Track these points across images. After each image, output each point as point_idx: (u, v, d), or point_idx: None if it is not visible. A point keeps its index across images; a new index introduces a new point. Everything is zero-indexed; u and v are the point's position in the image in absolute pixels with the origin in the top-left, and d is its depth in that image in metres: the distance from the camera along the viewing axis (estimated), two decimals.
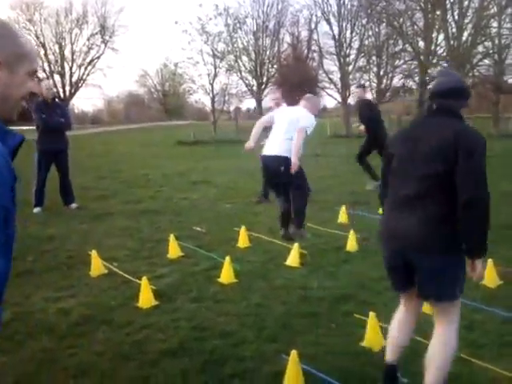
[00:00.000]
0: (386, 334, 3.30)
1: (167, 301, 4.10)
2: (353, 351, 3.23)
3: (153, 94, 68.43)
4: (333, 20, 29.66)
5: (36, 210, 7.53)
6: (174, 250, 5.31)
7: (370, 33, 29.44)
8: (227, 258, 4.57)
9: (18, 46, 1.26)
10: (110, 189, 9.89)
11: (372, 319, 3.31)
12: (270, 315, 3.77)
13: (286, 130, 5.71)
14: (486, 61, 29.39)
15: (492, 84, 28.83)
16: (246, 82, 31.60)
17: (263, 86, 33.53)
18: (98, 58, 46.39)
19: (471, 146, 2.34)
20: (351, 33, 29.05)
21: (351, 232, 5.53)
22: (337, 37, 29.16)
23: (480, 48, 28.21)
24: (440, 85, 2.56)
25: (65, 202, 7.92)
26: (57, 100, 8.07)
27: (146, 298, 4.04)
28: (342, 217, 6.79)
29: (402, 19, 25.62)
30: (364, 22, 28.94)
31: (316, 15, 31.15)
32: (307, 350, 3.16)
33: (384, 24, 29.24)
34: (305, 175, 5.85)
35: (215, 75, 22.77)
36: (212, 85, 22.81)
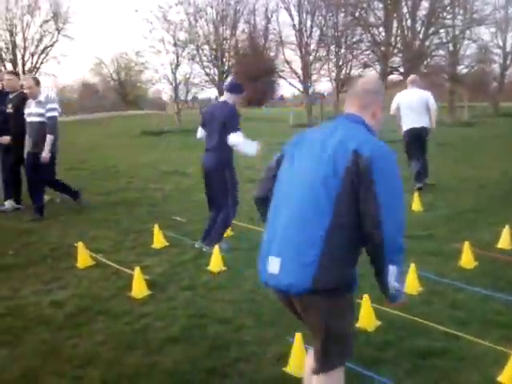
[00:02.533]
0: (377, 314, 3.50)
1: (160, 290, 4.15)
2: None
3: (108, 83, 66.85)
4: (293, 10, 29.82)
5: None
6: (158, 239, 5.34)
7: (330, 24, 29.73)
8: (216, 247, 4.64)
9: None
10: (80, 181, 9.69)
11: (366, 301, 3.47)
12: (265, 301, 3.87)
13: (419, 109, 7.92)
14: (441, 51, 30.35)
15: (447, 74, 29.79)
16: (208, 71, 31.40)
17: (225, 75, 33.43)
18: (52, 45, 44.92)
19: None
20: (311, 22, 29.27)
21: None
22: (297, 26, 29.34)
23: (435, 39, 29.06)
24: None
25: None
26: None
27: (139, 287, 4.07)
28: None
29: (362, 9, 26.05)
30: (324, 12, 29.19)
31: (277, 5, 31.18)
32: (306, 333, 3.28)
33: (342, 14, 29.64)
34: None
35: (177, 64, 22.55)
36: (175, 74, 22.58)
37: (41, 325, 3.54)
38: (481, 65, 34.49)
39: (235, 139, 4.76)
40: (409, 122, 8.01)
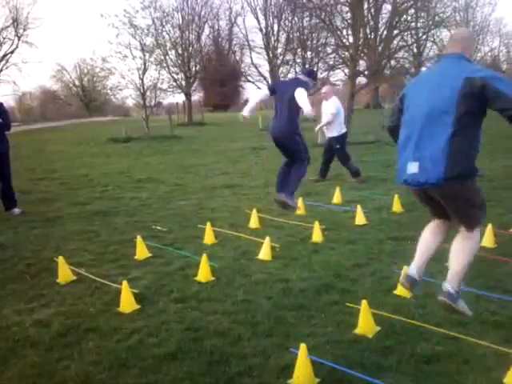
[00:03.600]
0: (376, 319, 3.46)
1: (149, 303, 4.00)
2: (350, 339, 3.32)
3: (71, 89, 65.51)
4: (259, 13, 29.89)
5: None
6: (141, 250, 5.17)
7: (296, 27, 29.90)
8: (204, 256, 4.52)
9: None
10: (51, 191, 9.41)
11: (364, 307, 3.41)
12: (259, 310, 3.79)
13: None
14: (406, 53, 30.88)
15: (412, 75, 30.33)
16: (175, 76, 31.06)
17: (191, 80, 33.16)
18: (12, 52, 43.88)
19: None
20: (278, 26, 29.39)
21: (316, 223, 5.64)
22: (264, 30, 29.40)
23: (399, 41, 29.52)
24: None
25: (6, 208, 7.46)
26: None
27: (127, 302, 3.91)
28: (300, 208, 6.91)
29: (327, 12, 26.17)
30: (289, 16, 29.35)
31: (242, 7, 31.13)
32: (306, 342, 3.21)
33: (307, 18, 29.80)
34: None
35: (145, 70, 22.20)
36: (142, 80, 22.21)
37: (27, 346, 3.35)
38: None
39: (301, 92, 5.30)
40: (343, 127, 9.25)
